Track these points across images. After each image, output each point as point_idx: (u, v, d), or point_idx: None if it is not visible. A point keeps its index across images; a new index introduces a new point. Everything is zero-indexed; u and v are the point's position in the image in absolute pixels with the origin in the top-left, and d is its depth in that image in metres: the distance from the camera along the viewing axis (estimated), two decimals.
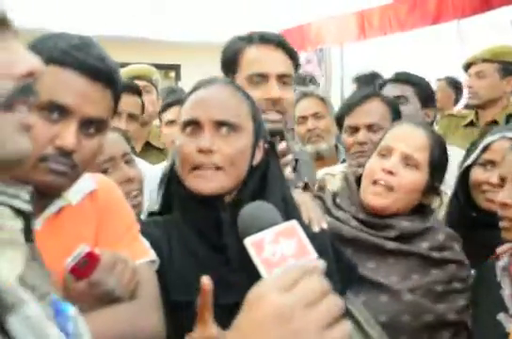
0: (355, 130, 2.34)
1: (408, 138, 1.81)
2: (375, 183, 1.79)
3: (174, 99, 3.08)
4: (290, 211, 1.51)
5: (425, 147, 1.80)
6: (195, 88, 1.51)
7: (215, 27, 6.59)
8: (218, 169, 1.43)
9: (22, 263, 0.84)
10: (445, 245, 1.80)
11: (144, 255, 1.43)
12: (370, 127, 2.32)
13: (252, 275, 1.05)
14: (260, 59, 1.98)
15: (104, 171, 1.94)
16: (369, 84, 4.57)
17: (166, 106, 3.13)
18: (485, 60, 3.51)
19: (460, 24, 5.70)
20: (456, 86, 5.14)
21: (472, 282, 1.79)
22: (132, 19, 6.56)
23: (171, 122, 2.96)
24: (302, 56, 8.63)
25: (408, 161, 1.78)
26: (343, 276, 1.53)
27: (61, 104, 1.21)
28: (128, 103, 2.64)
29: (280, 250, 1.07)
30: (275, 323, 0.79)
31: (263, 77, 1.97)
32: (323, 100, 3.20)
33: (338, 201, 1.85)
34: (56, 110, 1.20)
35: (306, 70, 7.93)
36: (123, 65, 3.57)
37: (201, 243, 1.47)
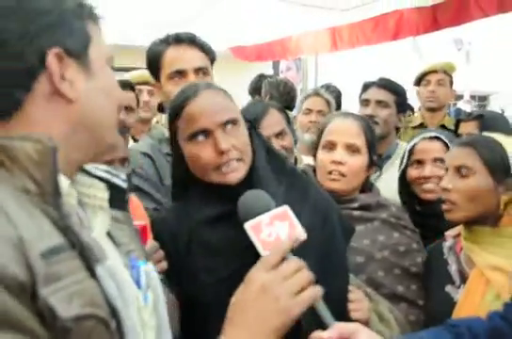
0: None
1: (345, 130, 1.84)
2: (329, 173, 1.82)
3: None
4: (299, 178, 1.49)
5: (360, 132, 1.83)
6: (183, 103, 1.42)
7: (214, 39, 6.90)
8: (239, 160, 1.40)
9: (109, 223, 0.95)
10: (398, 215, 1.85)
11: None
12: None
13: None
14: (177, 58, 1.97)
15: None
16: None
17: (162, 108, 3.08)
18: (444, 72, 3.70)
19: (415, 40, 6.01)
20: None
21: (423, 261, 1.80)
22: (146, 31, 6.79)
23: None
24: (283, 64, 8.94)
25: (351, 149, 1.81)
26: (345, 234, 1.50)
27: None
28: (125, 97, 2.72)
29: (276, 232, 1.12)
30: (259, 294, 0.96)
31: (182, 73, 1.95)
32: (328, 103, 3.28)
33: None
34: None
35: (286, 76, 8.26)
36: (134, 68, 3.65)
37: (223, 230, 1.39)
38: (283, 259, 1.01)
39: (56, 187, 0.80)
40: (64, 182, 0.85)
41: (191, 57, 2.00)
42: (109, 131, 0.94)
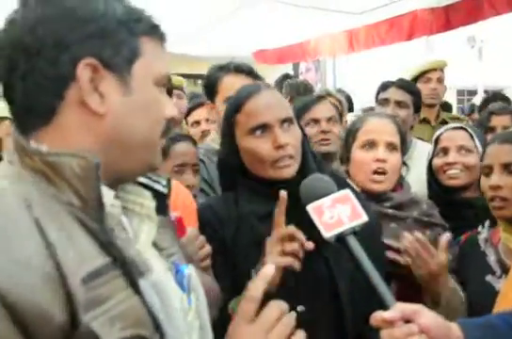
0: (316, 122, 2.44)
1: (385, 129, 1.85)
2: (374, 172, 1.80)
3: (195, 104, 3.17)
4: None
5: (396, 131, 1.86)
6: (245, 98, 1.48)
7: (233, 44, 6.86)
8: (292, 157, 1.44)
9: (155, 232, 0.93)
10: (429, 212, 1.85)
11: None
12: (329, 119, 2.45)
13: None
14: (233, 86, 2.02)
15: (175, 172, 2.01)
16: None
17: (189, 110, 3.23)
18: (441, 70, 3.76)
19: (429, 40, 6.02)
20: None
21: (456, 255, 1.81)
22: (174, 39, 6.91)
23: (196, 123, 3.07)
24: (303, 66, 9.02)
25: (391, 147, 1.83)
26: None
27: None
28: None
29: (338, 214, 1.11)
30: None
31: None
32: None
33: None
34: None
35: (306, 77, 8.34)
36: None
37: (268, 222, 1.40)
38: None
39: (100, 202, 0.79)
40: (107, 194, 0.83)
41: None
42: (146, 151, 0.89)
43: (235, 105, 1.50)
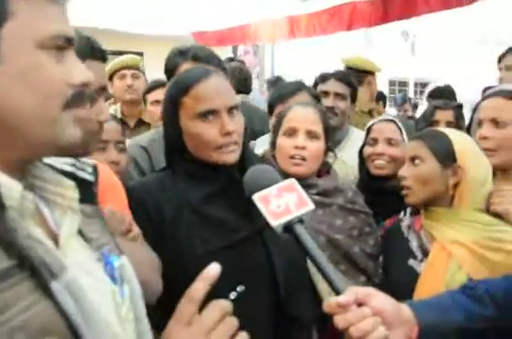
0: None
1: (306, 117, 1.88)
2: (292, 157, 1.84)
3: (157, 83, 3.12)
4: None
5: (319, 120, 1.88)
6: (194, 82, 1.46)
7: (172, 22, 6.78)
8: (236, 144, 1.47)
9: (77, 224, 0.84)
10: (353, 199, 1.88)
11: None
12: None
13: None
14: None
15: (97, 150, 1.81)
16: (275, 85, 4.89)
17: (150, 89, 3.16)
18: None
19: (367, 32, 6.14)
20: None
21: (380, 241, 1.87)
22: (104, 13, 6.58)
23: (156, 102, 2.98)
24: (241, 48, 8.97)
25: (311, 135, 1.85)
26: None
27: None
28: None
29: (285, 203, 1.09)
30: None
31: None
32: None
33: None
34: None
35: (244, 59, 8.33)
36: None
37: (211, 203, 1.45)
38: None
39: None
40: (11, 185, 0.73)
41: None
42: (43, 125, 0.75)
43: (182, 88, 1.48)
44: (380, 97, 5.30)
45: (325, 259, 1.06)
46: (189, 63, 2.11)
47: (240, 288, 1.33)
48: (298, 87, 2.43)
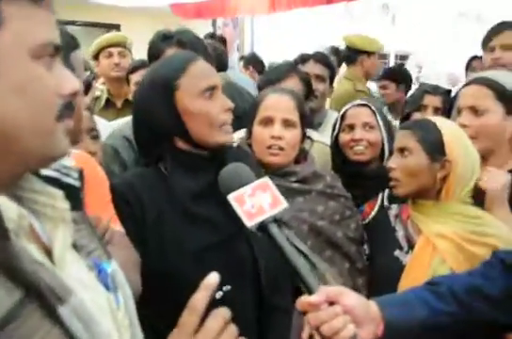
0: None
1: (281, 106, 1.84)
2: (269, 147, 1.81)
3: (142, 63, 2.98)
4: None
5: (295, 108, 1.85)
6: (189, 61, 1.48)
7: None
8: (231, 124, 1.50)
9: (70, 236, 0.82)
10: (333, 184, 1.88)
11: (119, 228, 1.34)
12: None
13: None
14: None
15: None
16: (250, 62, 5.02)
17: (134, 69, 3.08)
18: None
19: (348, 6, 6.05)
20: (336, 53, 5.27)
21: (367, 229, 1.87)
22: None
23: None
24: (220, 21, 8.80)
25: (287, 123, 1.83)
26: None
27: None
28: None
29: (259, 202, 1.10)
30: None
31: None
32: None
33: None
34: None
35: (224, 32, 8.17)
36: (69, 23, 3.57)
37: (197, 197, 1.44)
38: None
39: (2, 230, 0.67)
40: (7, 207, 0.70)
41: None
42: (38, 139, 0.72)
43: (178, 69, 1.46)
44: None
45: (298, 258, 1.08)
46: (174, 49, 2.07)
47: (226, 288, 1.40)
48: (289, 70, 2.40)
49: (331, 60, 2.90)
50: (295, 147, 1.85)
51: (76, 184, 0.92)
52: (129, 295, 0.89)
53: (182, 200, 1.43)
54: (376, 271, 1.77)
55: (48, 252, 0.77)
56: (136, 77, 3.03)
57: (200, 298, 0.83)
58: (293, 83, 2.32)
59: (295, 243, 1.59)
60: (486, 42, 2.95)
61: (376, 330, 1.13)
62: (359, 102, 2.21)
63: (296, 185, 1.81)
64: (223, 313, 0.83)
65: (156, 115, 1.47)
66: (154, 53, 2.12)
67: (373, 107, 2.17)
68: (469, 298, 1.21)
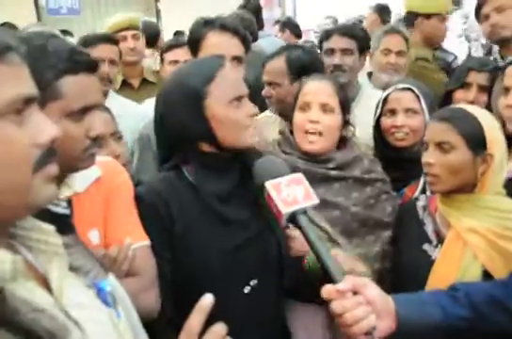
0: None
1: (319, 91, 1.85)
2: (306, 132, 1.83)
3: (178, 42, 3.02)
4: None
5: (333, 93, 1.84)
6: (216, 69, 1.48)
7: None
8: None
9: (66, 266, 0.85)
10: (371, 168, 1.88)
11: (143, 239, 1.37)
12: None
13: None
14: (218, 44, 2.04)
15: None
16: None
17: (168, 48, 3.01)
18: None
19: None
20: (381, 9, 5.14)
21: (394, 220, 1.83)
22: None
23: (175, 62, 2.90)
24: None
25: (325, 108, 1.83)
26: None
27: (90, 105, 1.16)
28: (108, 50, 2.64)
29: (293, 193, 1.18)
30: None
31: None
32: (407, 41, 3.01)
33: (282, 148, 1.90)
34: (85, 111, 1.16)
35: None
36: None
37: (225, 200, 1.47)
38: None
39: None
40: (2, 260, 0.71)
41: (232, 46, 2.07)
42: (16, 195, 0.73)
43: (206, 77, 1.48)
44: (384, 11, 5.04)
45: (325, 249, 1.14)
46: (216, 32, 2.07)
47: (253, 282, 1.48)
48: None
49: (359, 30, 2.77)
50: (333, 132, 1.85)
51: (66, 212, 0.97)
52: (130, 306, 0.95)
53: (209, 202, 1.45)
54: (403, 264, 1.73)
55: (46, 283, 0.79)
56: (170, 56, 2.98)
57: (195, 323, 0.83)
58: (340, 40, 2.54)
59: (321, 225, 1.68)
60: (477, 11, 2.87)
61: (392, 324, 1.15)
62: (402, 85, 2.11)
63: (333, 172, 1.83)
64: (220, 331, 0.83)
65: (184, 121, 1.48)
66: (195, 38, 2.11)
67: (417, 91, 2.08)
68: (487, 309, 1.21)
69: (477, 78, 2.35)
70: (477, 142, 1.60)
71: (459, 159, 1.60)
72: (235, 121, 1.47)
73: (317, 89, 1.87)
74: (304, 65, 2.34)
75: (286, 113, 2.43)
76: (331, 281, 1.10)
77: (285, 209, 1.15)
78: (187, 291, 1.38)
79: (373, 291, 1.12)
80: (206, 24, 2.10)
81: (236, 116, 1.47)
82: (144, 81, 3.36)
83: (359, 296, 1.09)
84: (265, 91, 2.42)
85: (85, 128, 1.15)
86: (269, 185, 1.18)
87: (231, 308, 1.35)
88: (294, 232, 1.52)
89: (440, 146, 1.62)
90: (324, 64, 2.48)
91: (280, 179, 1.20)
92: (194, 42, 2.13)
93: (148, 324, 1.18)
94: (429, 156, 1.64)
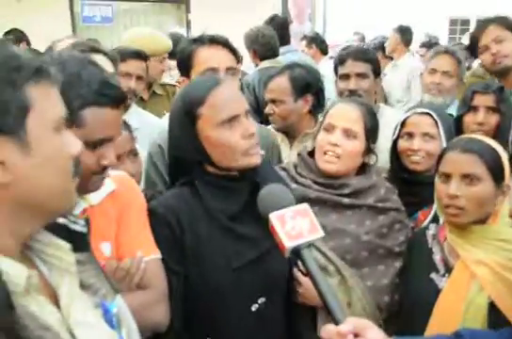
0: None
1: (345, 115, 1.84)
2: (325, 153, 1.83)
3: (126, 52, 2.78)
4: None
5: (359, 119, 1.83)
6: (207, 91, 1.46)
7: None
8: (258, 145, 1.50)
9: (77, 286, 0.89)
10: (386, 197, 1.85)
11: (154, 252, 1.38)
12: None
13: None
14: (210, 57, 2.02)
15: None
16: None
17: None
18: None
19: None
20: (403, 31, 5.35)
21: (405, 248, 1.81)
22: None
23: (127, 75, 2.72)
24: None
25: (348, 133, 1.82)
26: None
27: (108, 138, 1.20)
28: (137, 67, 2.70)
29: (299, 226, 1.12)
30: None
31: (214, 71, 1.99)
32: (459, 62, 2.96)
33: (299, 170, 1.89)
34: (102, 143, 1.20)
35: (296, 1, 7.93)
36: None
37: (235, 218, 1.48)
38: None
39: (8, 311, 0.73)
40: (18, 275, 0.77)
41: (223, 57, 2.05)
42: (59, 200, 0.84)
43: (197, 99, 1.46)
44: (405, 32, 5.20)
45: (327, 286, 1.11)
46: (205, 46, 2.05)
47: (261, 300, 1.47)
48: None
49: (370, 53, 2.76)
50: (352, 157, 1.83)
51: (83, 230, 0.99)
52: (133, 329, 0.98)
53: (218, 219, 1.46)
54: (410, 293, 1.71)
55: (56, 298, 0.85)
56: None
57: None
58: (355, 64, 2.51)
59: (328, 255, 1.67)
60: (474, 45, 2.87)
61: None
62: (421, 110, 2.11)
63: (346, 199, 1.81)
64: None
65: (181, 142, 1.50)
66: (185, 56, 2.08)
67: (435, 116, 2.07)
68: None
69: (483, 100, 2.37)
70: (499, 174, 1.60)
71: (486, 191, 1.58)
72: (227, 143, 1.44)
73: (343, 113, 1.86)
74: (308, 83, 2.39)
75: (288, 130, 2.55)
76: (333, 319, 1.07)
77: (289, 243, 1.11)
78: (195, 307, 1.42)
79: (374, 334, 1.09)
80: (195, 42, 2.10)
81: (228, 138, 1.44)
82: (154, 94, 3.40)
83: (359, 338, 1.06)
84: (268, 109, 2.45)
85: (98, 156, 1.20)
86: (273, 216, 1.14)
87: (237, 325, 1.40)
88: (302, 277, 1.53)
89: (466, 178, 1.60)
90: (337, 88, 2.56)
91: (285, 210, 1.15)
92: (185, 61, 2.10)
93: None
94: (455, 189, 1.60)
